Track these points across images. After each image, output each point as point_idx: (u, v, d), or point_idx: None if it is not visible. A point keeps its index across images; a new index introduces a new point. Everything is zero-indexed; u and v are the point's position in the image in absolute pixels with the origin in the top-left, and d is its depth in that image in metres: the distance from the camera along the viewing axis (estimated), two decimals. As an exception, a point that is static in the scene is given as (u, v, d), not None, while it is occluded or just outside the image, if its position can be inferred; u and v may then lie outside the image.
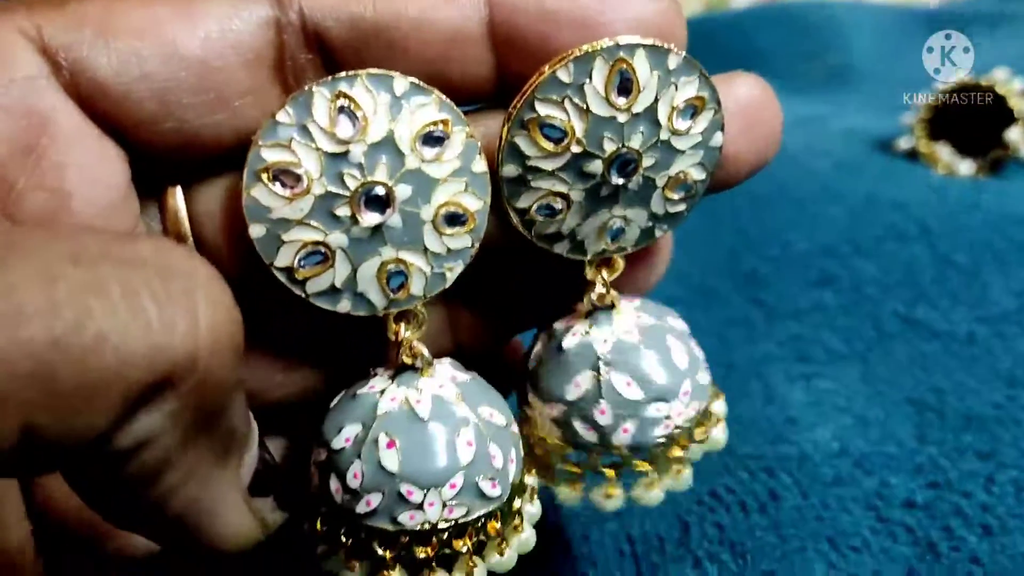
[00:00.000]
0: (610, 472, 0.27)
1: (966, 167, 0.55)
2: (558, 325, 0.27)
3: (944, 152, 0.56)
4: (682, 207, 0.26)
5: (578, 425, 0.26)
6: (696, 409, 0.27)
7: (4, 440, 0.16)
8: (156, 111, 0.22)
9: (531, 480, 0.27)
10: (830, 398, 0.40)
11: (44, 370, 0.16)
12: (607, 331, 0.26)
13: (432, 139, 0.23)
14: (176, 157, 0.23)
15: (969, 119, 0.55)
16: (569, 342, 0.27)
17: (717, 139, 0.25)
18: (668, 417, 0.26)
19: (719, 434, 0.28)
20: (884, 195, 0.53)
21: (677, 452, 0.27)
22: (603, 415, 0.26)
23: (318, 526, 0.25)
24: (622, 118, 0.24)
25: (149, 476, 0.19)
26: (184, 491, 0.20)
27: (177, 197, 0.24)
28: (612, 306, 0.27)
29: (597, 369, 0.26)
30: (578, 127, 0.24)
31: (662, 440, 0.26)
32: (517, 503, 0.25)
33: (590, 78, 0.23)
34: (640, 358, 0.26)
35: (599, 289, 0.27)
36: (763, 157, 0.26)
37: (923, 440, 0.36)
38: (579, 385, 0.26)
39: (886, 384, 0.40)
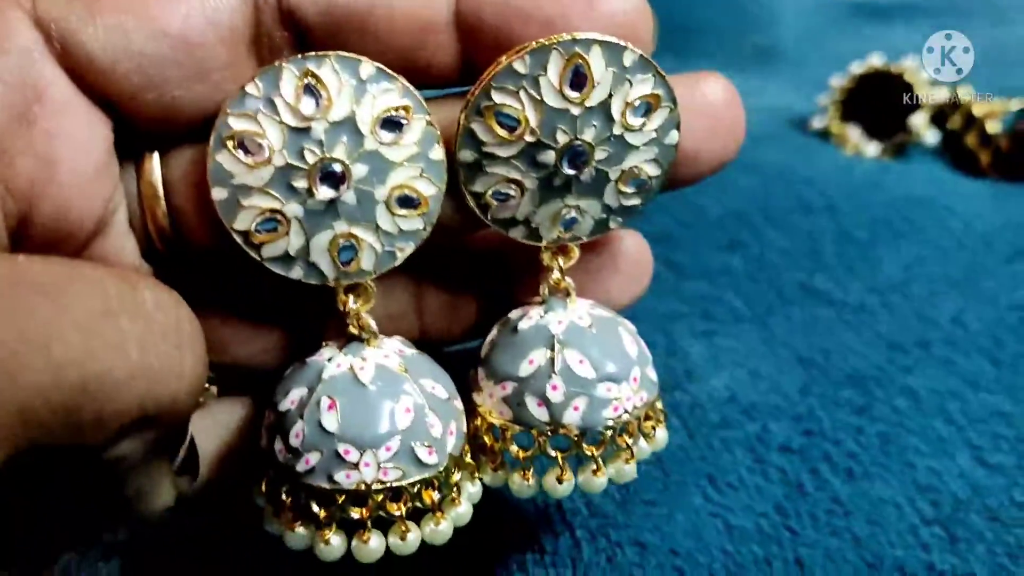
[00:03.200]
0: (559, 454, 0.27)
1: (872, 149, 0.58)
2: (513, 313, 0.28)
3: (854, 133, 0.59)
4: (636, 201, 0.27)
5: (530, 401, 0.26)
6: (644, 400, 0.27)
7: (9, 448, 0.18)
8: (139, 83, 0.23)
9: (489, 479, 0.27)
10: (728, 354, 0.43)
11: (71, 404, 0.19)
12: (562, 314, 0.27)
13: (392, 123, 0.24)
14: (157, 125, 0.25)
15: (879, 103, 0.58)
16: (524, 324, 0.27)
17: (672, 137, 0.26)
18: (617, 399, 0.27)
19: (663, 434, 0.28)
20: (795, 170, 0.56)
21: (625, 440, 0.27)
22: (555, 391, 0.26)
23: (263, 487, 0.26)
24: (575, 111, 0.24)
25: (117, 478, 0.22)
26: (136, 484, 0.23)
27: (154, 162, 0.25)
28: (567, 293, 0.28)
29: (551, 347, 0.26)
30: (532, 117, 0.24)
31: (611, 423, 0.27)
32: (456, 476, 0.26)
33: (545, 70, 0.24)
34: (592, 341, 0.27)
35: (555, 275, 0.28)
36: (724, 157, 0.27)
37: (806, 393, 0.39)
38: (533, 362, 0.26)
39: (781, 344, 0.43)
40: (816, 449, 0.36)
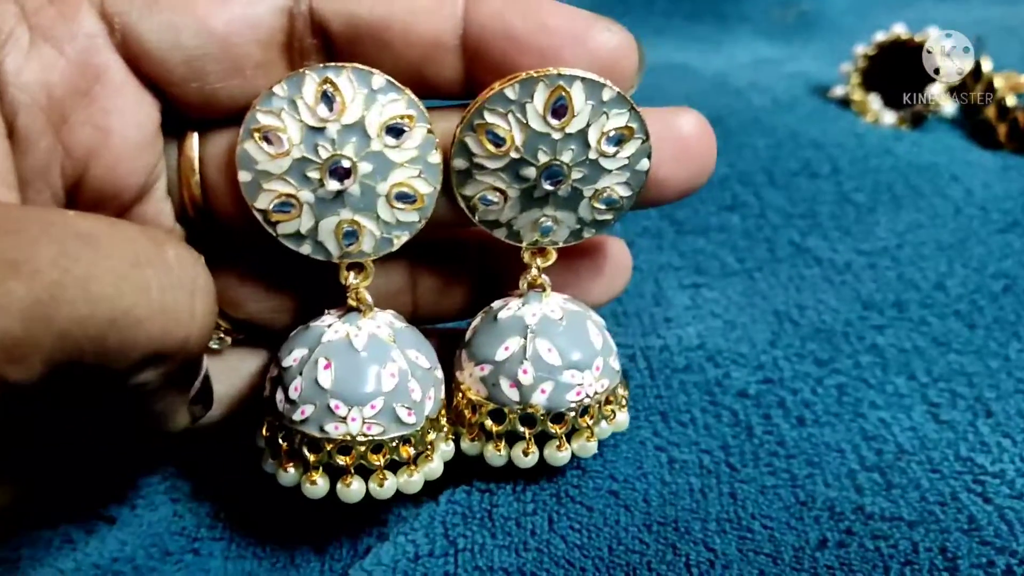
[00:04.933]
0: (527, 431, 0.30)
1: (889, 117, 0.57)
2: (495, 304, 0.32)
3: (875, 102, 0.58)
4: (608, 216, 0.30)
5: (503, 383, 0.30)
6: (605, 386, 0.31)
7: (34, 371, 0.21)
8: (185, 73, 0.27)
9: (466, 447, 0.31)
10: (709, 305, 0.44)
11: (99, 335, 0.22)
12: (536, 307, 0.31)
13: (396, 130, 0.28)
14: (198, 111, 0.28)
15: (901, 73, 0.58)
16: (504, 314, 0.31)
17: (643, 164, 0.29)
18: (580, 385, 0.30)
19: (623, 417, 0.32)
20: (807, 134, 0.56)
21: (586, 421, 0.31)
22: (525, 375, 0.30)
23: (264, 432, 0.30)
24: (556, 135, 0.28)
25: (139, 400, 0.26)
26: (156, 407, 0.27)
27: (193, 141, 0.29)
28: (543, 288, 0.31)
29: (525, 336, 0.30)
30: (518, 137, 0.28)
31: (573, 406, 0.30)
32: (431, 436, 0.30)
33: (532, 98, 0.27)
34: (561, 332, 0.30)
35: (533, 272, 0.31)
36: (691, 185, 0.30)
37: (774, 345, 0.40)
38: (508, 348, 0.30)
39: (761, 298, 0.44)
40: (772, 396, 0.37)
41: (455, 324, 0.35)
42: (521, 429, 0.30)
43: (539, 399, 0.30)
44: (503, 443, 0.30)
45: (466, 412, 0.31)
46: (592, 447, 0.31)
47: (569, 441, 0.31)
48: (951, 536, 0.30)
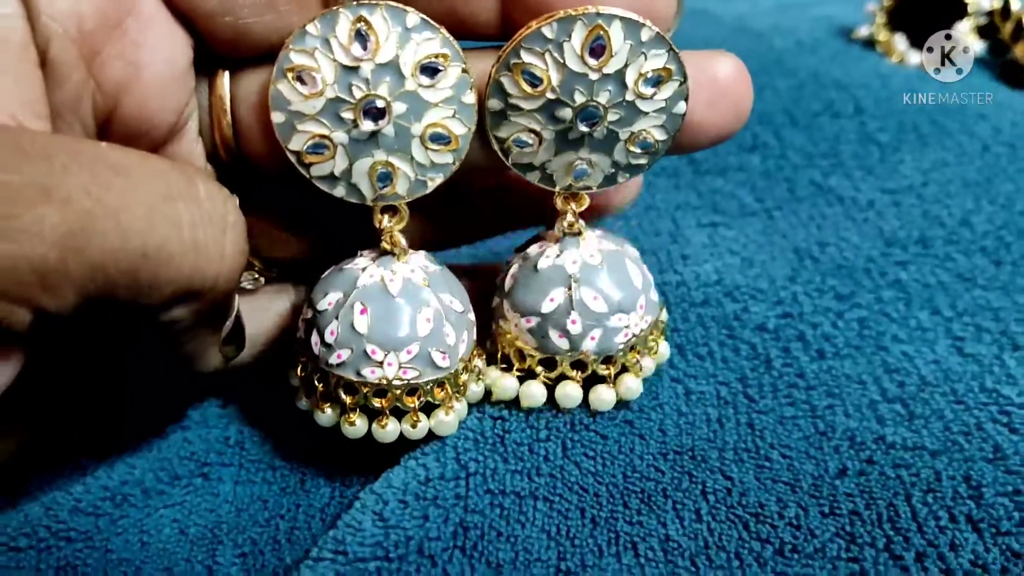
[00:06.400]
0: (576, 374, 0.31)
1: (915, 58, 0.56)
2: (531, 250, 0.31)
3: (900, 43, 0.57)
4: (643, 160, 0.29)
5: (552, 334, 0.30)
6: (650, 322, 0.31)
7: (68, 300, 0.21)
8: (217, 6, 0.27)
9: (488, 369, 0.31)
10: (727, 243, 0.43)
11: (131, 268, 0.22)
12: (575, 254, 0.30)
13: (430, 69, 0.27)
14: (230, 46, 0.28)
15: (929, 13, 0.56)
16: (543, 263, 0.30)
17: (680, 107, 0.28)
18: (627, 327, 0.30)
19: (665, 349, 0.33)
20: (830, 75, 0.54)
21: (634, 356, 0.31)
22: (574, 324, 0.30)
23: (298, 371, 0.30)
24: (593, 76, 0.27)
25: (172, 336, 0.25)
26: (188, 346, 0.27)
27: (224, 80, 0.29)
28: (579, 233, 0.31)
29: (568, 286, 0.30)
30: (554, 77, 0.27)
31: (621, 348, 0.31)
32: (464, 378, 0.30)
33: (569, 37, 0.26)
34: (603, 277, 0.30)
35: (569, 218, 0.31)
36: (727, 130, 0.29)
37: (793, 280, 0.39)
38: (553, 300, 0.30)
39: (780, 236, 0.43)
40: (791, 329, 0.36)
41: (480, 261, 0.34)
42: (572, 373, 0.31)
43: (589, 346, 0.30)
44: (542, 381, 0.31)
45: (515, 359, 0.31)
46: (637, 387, 0.31)
47: (615, 382, 0.31)
48: (975, 465, 0.29)
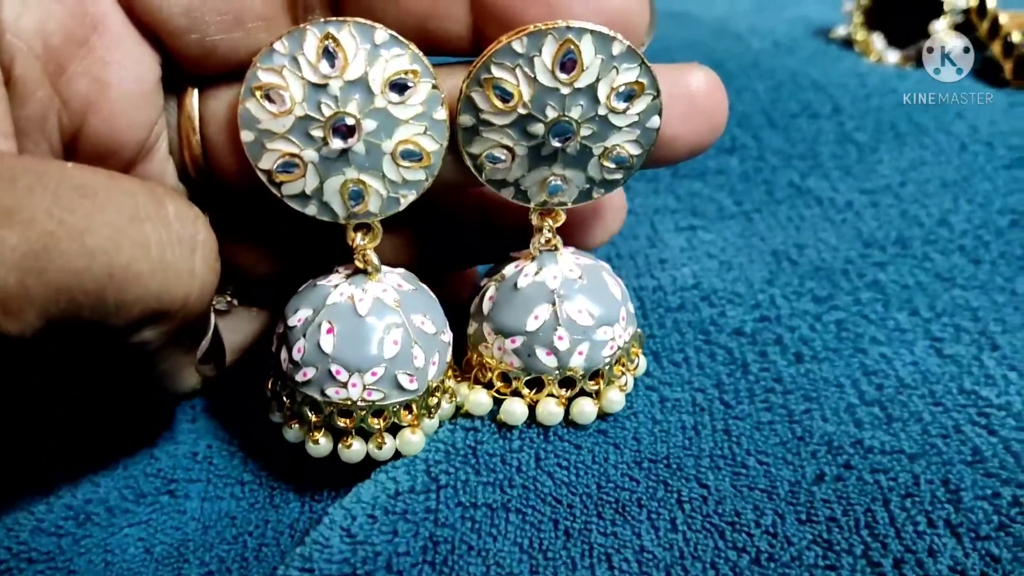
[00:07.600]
0: (563, 392, 0.30)
1: (893, 57, 0.55)
2: (507, 270, 0.31)
3: (878, 42, 0.57)
4: (618, 175, 0.29)
5: (539, 352, 0.30)
6: (632, 332, 0.31)
7: (30, 323, 0.21)
8: (184, 24, 0.26)
9: (459, 386, 0.31)
10: (705, 247, 0.42)
11: (97, 289, 0.22)
12: (555, 270, 0.30)
13: (400, 86, 0.27)
14: (198, 64, 0.27)
15: (906, 12, 0.56)
16: (523, 282, 0.30)
17: (654, 122, 0.27)
18: (612, 339, 0.30)
19: (643, 361, 0.33)
20: (808, 76, 0.54)
21: (619, 369, 0.31)
22: (561, 340, 0.29)
23: (270, 385, 0.30)
24: (564, 91, 0.26)
25: (145, 357, 0.25)
26: (162, 366, 0.26)
27: (193, 98, 0.28)
28: (555, 249, 0.30)
29: (552, 302, 0.29)
30: (525, 92, 0.27)
31: (608, 360, 0.30)
32: (434, 400, 0.29)
33: (540, 52, 0.26)
34: (585, 291, 0.30)
35: (546, 235, 0.30)
36: (702, 143, 0.29)
37: (771, 283, 0.39)
38: (538, 317, 0.29)
39: (759, 239, 0.43)
40: (768, 333, 0.36)
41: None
42: (559, 391, 0.30)
43: (577, 361, 0.30)
44: (527, 399, 0.31)
45: (498, 383, 0.31)
46: (620, 400, 0.31)
47: (598, 396, 0.31)
48: (954, 468, 0.29)
